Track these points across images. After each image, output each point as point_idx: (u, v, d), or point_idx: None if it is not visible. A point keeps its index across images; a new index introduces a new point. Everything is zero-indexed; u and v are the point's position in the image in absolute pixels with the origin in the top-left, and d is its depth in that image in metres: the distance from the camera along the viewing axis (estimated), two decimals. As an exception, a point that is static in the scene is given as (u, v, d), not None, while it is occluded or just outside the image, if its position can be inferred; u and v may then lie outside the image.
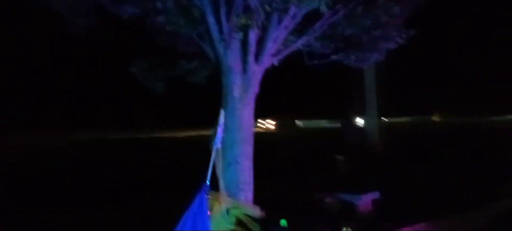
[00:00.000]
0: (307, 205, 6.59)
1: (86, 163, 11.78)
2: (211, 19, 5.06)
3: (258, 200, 5.41)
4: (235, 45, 5.18)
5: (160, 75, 6.16)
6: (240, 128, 5.37)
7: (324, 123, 34.25)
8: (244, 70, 5.28)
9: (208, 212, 4.14)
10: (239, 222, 4.94)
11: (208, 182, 4.24)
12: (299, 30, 5.52)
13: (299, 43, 5.55)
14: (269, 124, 32.86)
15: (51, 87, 25.34)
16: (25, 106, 25.04)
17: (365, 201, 6.66)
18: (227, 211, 4.94)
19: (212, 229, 4.80)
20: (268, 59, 5.42)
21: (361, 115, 13.82)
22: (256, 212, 5.11)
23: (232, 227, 4.87)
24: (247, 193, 5.23)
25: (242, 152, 5.32)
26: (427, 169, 9.73)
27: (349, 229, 5.40)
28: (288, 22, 5.23)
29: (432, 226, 6.09)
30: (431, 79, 29.48)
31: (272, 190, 6.91)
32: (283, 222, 4.95)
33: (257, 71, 5.34)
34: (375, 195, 6.81)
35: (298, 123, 36.18)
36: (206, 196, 4.16)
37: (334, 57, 5.83)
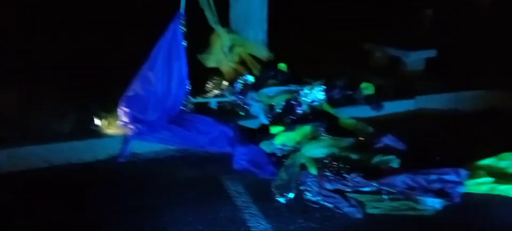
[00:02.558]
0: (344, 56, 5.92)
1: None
2: None
3: (275, 44, 4.96)
4: None
5: None
6: None
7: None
8: None
9: (183, 42, 3.86)
10: (241, 61, 4.65)
11: (182, 10, 3.87)
12: None
13: None
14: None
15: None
16: None
17: (414, 58, 5.75)
18: (231, 49, 4.65)
19: (211, 65, 4.63)
20: None
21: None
22: (264, 53, 4.73)
23: (233, 65, 4.62)
24: (258, 32, 4.78)
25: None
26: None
27: (370, 85, 4.77)
28: None
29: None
30: None
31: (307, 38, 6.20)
32: (281, 66, 4.51)
33: None
34: (429, 53, 5.81)
35: None
36: (180, 25, 3.85)
37: None
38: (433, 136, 4.33)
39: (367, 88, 4.80)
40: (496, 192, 3.34)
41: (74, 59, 4.89)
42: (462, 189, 3.29)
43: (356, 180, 3.17)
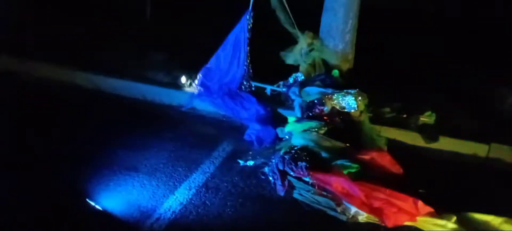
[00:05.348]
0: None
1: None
2: None
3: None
4: None
5: None
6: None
7: None
8: None
9: (248, 33, 4.79)
10: (313, 64, 5.18)
11: (250, 8, 4.76)
12: None
13: None
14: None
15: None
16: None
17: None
18: (309, 51, 5.24)
19: (289, 62, 5.33)
20: None
21: None
22: (334, 59, 5.11)
23: (305, 65, 5.20)
24: (337, 42, 5.17)
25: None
26: None
27: (433, 114, 4.51)
28: None
29: None
30: None
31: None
32: (335, 72, 4.81)
33: None
34: None
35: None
36: (247, 18, 4.78)
37: None
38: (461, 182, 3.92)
39: (429, 117, 4.57)
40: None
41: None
42: (405, 220, 3.16)
43: (300, 169, 3.51)
